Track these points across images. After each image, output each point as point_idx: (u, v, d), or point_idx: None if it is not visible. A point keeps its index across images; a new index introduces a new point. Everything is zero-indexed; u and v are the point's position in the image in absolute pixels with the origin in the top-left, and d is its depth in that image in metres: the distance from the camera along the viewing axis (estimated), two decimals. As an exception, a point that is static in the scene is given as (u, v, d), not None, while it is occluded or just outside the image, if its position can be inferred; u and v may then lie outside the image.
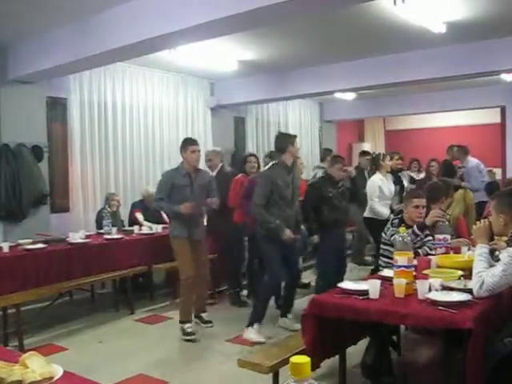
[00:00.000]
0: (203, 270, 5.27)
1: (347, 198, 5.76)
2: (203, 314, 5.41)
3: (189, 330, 5.04)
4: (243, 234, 6.13)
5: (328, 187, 5.56)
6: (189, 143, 5.20)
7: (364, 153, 8.71)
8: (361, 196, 6.59)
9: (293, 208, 5.02)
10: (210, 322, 5.37)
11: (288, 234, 4.83)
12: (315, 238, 5.69)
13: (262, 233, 4.92)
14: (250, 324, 4.88)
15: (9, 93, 6.54)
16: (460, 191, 5.66)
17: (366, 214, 6.66)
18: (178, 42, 5.49)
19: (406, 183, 7.99)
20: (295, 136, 5.08)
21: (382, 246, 4.44)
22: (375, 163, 7.07)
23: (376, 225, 6.08)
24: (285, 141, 4.95)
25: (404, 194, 6.19)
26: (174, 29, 4.79)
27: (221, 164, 6.43)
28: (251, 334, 4.85)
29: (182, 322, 5.11)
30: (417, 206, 4.27)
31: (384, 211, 6.46)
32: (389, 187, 6.75)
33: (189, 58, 7.35)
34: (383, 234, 4.42)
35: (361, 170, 7.99)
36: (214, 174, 6.19)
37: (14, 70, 6.46)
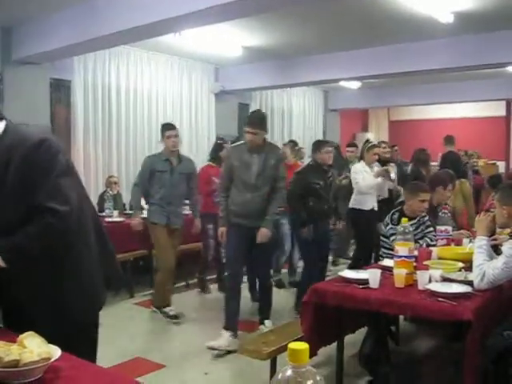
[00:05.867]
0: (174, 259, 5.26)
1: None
2: (167, 309, 5.18)
3: (172, 313, 5.09)
4: (206, 222, 5.85)
5: (315, 175, 5.17)
6: (166, 128, 5.19)
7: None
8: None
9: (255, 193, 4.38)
10: (177, 317, 5.11)
11: (222, 229, 4.54)
12: (305, 231, 5.09)
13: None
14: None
15: (12, 74, 6.50)
16: (456, 182, 5.61)
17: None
18: (184, 25, 5.44)
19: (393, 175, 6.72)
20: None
21: (381, 237, 4.42)
22: (361, 152, 6.48)
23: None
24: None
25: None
26: (180, 12, 4.74)
27: None
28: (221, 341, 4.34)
29: (161, 307, 5.16)
30: (423, 201, 4.25)
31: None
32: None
33: (194, 43, 7.31)
34: (382, 227, 4.40)
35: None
36: None
37: (18, 50, 6.41)
